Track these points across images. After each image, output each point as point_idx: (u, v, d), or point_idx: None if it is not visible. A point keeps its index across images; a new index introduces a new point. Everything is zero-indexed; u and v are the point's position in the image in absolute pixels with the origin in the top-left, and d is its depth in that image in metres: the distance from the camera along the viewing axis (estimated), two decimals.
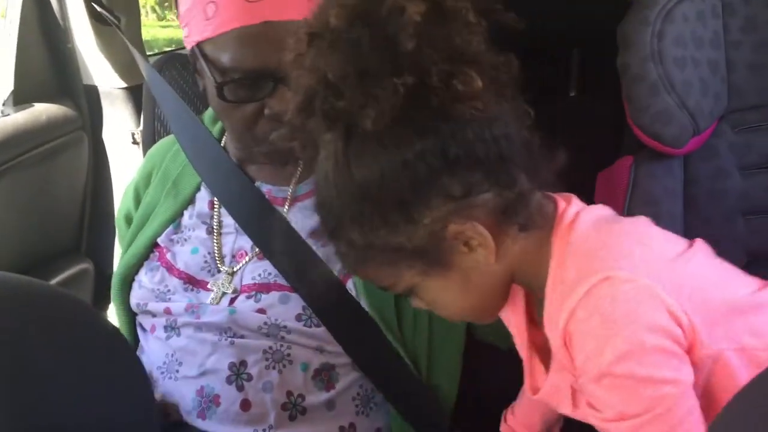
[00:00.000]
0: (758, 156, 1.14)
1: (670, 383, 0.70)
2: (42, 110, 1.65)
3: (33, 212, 1.62)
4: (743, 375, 0.73)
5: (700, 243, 0.80)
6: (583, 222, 0.76)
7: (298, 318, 1.04)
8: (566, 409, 0.82)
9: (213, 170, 1.13)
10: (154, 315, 1.09)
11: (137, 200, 1.21)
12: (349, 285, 1.05)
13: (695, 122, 1.08)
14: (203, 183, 1.15)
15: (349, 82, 0.69)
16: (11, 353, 0.61)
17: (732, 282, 0.78)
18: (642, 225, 0.80)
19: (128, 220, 1.22)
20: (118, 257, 1.22)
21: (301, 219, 1.08)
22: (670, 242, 0.79)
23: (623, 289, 0.70)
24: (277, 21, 0.97)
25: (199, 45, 1.02)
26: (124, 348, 0.74)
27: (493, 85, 0.71)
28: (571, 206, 0.78)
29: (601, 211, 0.80)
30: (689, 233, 1.07)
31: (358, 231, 0.74)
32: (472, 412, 1.10)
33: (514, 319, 0.86)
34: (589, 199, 1.16)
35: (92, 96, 1.76)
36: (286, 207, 1.10)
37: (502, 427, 1.02)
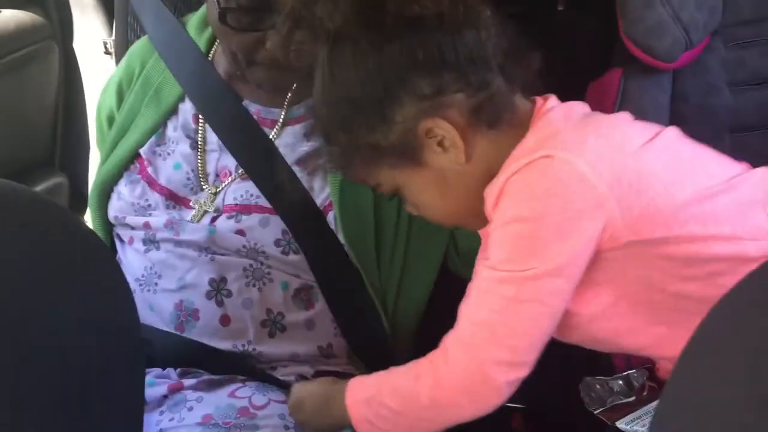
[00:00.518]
0: (750, 72, 1.12)
1: (549, 271, 0.73)
2: (9, 17, 1.59)
3: (2, 125, 1.58)
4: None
5: (669, 131, 0.82)
6: (554, 112, 0.80)
7: (277, 243, 1.02)
8: None
9: (197, 84, 1.09)
10: (132, 228, 1.07)
11: (120, 98, 1.16)
12: (330, 217, 1.03)
13: (688, 36, 1.06)
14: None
15: None
16: None
17: (690, 173, 0.79)
18: (613, 119, 0.83)
19: (110, 120, 1.17)
20: (95, 166, 1.19)
21: (290, 144, 1.06)
22: (638, 134, 0.80)
23: (557, 167, 0.74)
24: None
25: None
26: (103, 252, 0.73)
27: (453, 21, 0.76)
28: (548, 102, 0.81)
29: (577, 107, 0.82)
30: None
31: (342, 133, 0.80)
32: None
33: None
34: None
35: (62, 3, 1.68)
36: (275, 130, 1.07)
37: None
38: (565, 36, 1.34)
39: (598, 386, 0.95)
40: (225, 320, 1.01)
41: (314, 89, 0.82)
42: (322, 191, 1.03)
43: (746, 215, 0.77)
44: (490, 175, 0.79)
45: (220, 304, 1.01)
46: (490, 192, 0.78)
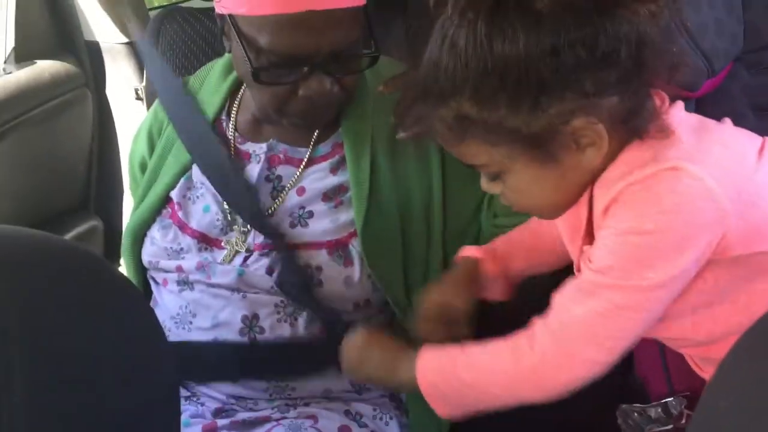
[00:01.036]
0: None
1: (661, 283, 0.73)
2: (44, 67, 1.64)
3: (39, 171, 1.62)
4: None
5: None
6: (671, 117, 0.77)
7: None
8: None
9: (201, 152, 1.11)
10: (166, 271, 1.09)
11: (151, 144, 1.18)
12: (352, 245, 1.04)
13: (710, 64, 1.06)
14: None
15: None
16: (26, 306, 0.61)
17: None
18: (731, 128, 0.82)
19: (143, 166, 1.19)
20: (128, 212, 1.21)
21: (315, 181, 1.07)
22: (750, 143, 0.79)
23: (686, 183, 0.71)
24: (319, 10, 0.94)
25: (231, 16, 0.99)
26: (137, 299, 0.75)
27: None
28: (675, 109, 0.78)
29: (692, 116, 0.80)
30: None
31: (475, 104, 0.73)
32: None
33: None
34: None
35: (94, 52, 1.74)
36: (301, 168, 1.09)
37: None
38: None
39: (636, 414, 0.95)
40: (260, 359, 1.02)
41: (448, 45, 0.73)
42: (347, 222, 1.04)
43: None
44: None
45: (253, 341, 1.02)
46: (601, 195, 0.75)
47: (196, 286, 1.06)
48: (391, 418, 1.06)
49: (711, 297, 0.78)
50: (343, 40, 0.97)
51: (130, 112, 1.73)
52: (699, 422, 0.51)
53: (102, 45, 1.74)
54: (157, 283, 1.12)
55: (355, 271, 1.04)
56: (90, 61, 1.73)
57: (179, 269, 1.07)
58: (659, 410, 0.94)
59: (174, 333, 1.06)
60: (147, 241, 1.12)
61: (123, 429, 0.63)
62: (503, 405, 0.81)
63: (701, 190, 0.71)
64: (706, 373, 0.85)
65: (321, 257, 1.03)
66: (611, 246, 0.74)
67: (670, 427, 0.94)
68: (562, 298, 0.77)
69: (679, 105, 0.79)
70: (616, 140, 0.75)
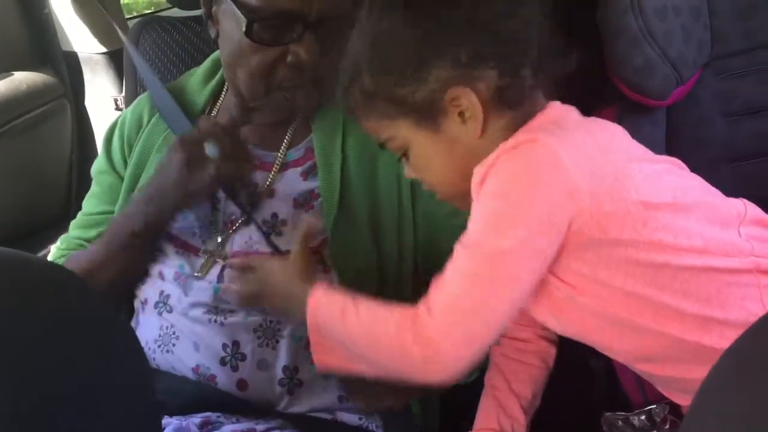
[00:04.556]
0: (743, 102, 1.13)
1: (508, 248, 0.75)
2: (22, 79, 1.64)
3: (19, 183, 1.62)
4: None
5: (673, 162, 0.85)
6: (553, 107, 0.83)
7: None
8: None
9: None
10: (147, 277, 1.10)
11: (116, 157, 1.18)
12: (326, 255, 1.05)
13: (678, 72, 1.07)
14: None
15: None
16: (3, 327, 0.61)
17: (669, 187, 0.80)
18: (608, 125, 0.86)
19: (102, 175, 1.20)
20: None
21: (286, 185, 1.08)
22: (631, 147, 0.83)
23: (539, 152, 0.76)
24: None
25: None
26: (117, 319, 0.75)
27: None
28: (552, 105, 0.84)
29: (577, 113, 0.85)
30: None
31: (371, 77, 0.82)
32: None
33: None
34: None
35: (72, 62, 1.74)
36: (273, 172, 1.09)
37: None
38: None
39: (620, 422, 0.96)
40: (242, 385, 1.02)
41: (356, 30, 0.83)
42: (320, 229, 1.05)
43: (719, 232, 0.79)
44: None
45: (235, 369, 1.02)
46: (478, 171, 0.79)
47: (174, 307, 1.06)
48: (377, 427, 1.07)
49: (585, 294, 0.79)
50: (334, 5, 0.98)
51: (109, 122, 1.73)
52: None
53: (80, 55, 1.74)
54: (140, 303, 1.12)
55: (334, 277, 1.04)
56: (68, 71, 1.72)
57: (160, 275, 1.08)
58: (643, 418, 0.95)
59: (160, 357, 1.06)
60: None
61: None
62: (383, 374, 0.82)
63: (551, 159, 0.75)
64: (674, 396, 0.87)
65: None
66: (473, 214, 0.79)
67: None
68: (440, 276, 0.79)
69: (564, 107, 0.84)
70: (495, 116, 0.80)
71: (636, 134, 1.10)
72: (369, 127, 0.87)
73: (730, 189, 1.11)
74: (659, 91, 1.08)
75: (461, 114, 0.80)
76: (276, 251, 1.04)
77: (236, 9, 1.00)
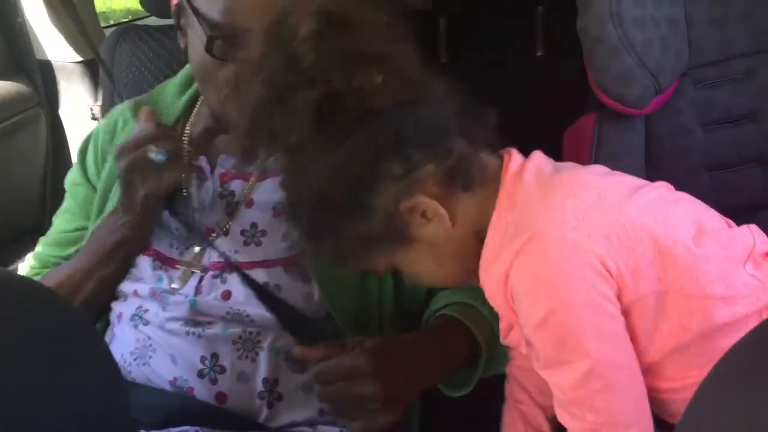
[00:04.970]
0: (720, 111, 1.14)
1: (593, 338, 0.75)
2: None
3: None
4: (659, 318, 0.78)
5: (656, 186, 0.84)
6: (528, 173, 0.81)
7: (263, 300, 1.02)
8: (524, 350, 0.87)
9: None
10: (121, 297, 1.08)
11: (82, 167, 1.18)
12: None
13: (657, 81, 1.08)
14: None
15: (271, 106, 0.77)
16: None
17: (677, 225, 0.80)
18: (585, 174, 0.85)
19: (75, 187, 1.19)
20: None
21: (267, 194, 1.07)
22: (615, 188, 0.82)
23: (553, 248, 0.75)
24: None
25: None
26: (91, 332, 0.74)
27: (402, 74, 0.77)
28: (512, 159, 0.83)
29: (542, 160, 0.84)
30: None
31: (327, 232, 0.81)
32: None
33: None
34: (557, 157, 1.17)
35: (47, 71, 1.72)
36: (251, 182, 1.08)
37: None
38: (545, 81, 1.37)
39: None
40: (221, 398, 1.01)
41: (287, 200, 0.83)
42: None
43: (733, 273, 0.79)
44: (478, 232, 0.81)
45: (214, 382, 1.00)
46: (490, 279, 0.79)
47: (151, 320, 1.04)
48: None
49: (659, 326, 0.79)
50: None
51: (85, 132, 1.71)
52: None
53: (54, 64, 1.72)
54: (114, 315, 1.10)
55: (315, 288, 1.03)
56: (43, 80, 1.70)
57: (135, 294, 1.06)
58: None
59: (136, 370, 1.04)
60: None
61: None
62: None
63: (561, 249, 0.75)
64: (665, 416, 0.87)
65: (278, 275, 1.03)
66: (539, 349, 0.79)
67: None
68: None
69: (514, 152, 0.83)
70: (457, 202, 0.80)
71: (615, 142, 1.12)
72: (355, 267, 0.87)
73: (710, 197, 1.13)
74: (638, 99, 1.08)
75: (424, 215, 0.80)
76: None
77: (196, 22, 0.99)
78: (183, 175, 1.06)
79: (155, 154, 1.01)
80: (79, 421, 0.63)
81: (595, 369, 0.75)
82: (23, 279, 0.73)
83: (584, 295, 0.75)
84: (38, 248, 1.22)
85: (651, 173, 1.12)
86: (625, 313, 0.77)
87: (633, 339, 0.78)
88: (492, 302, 0.84)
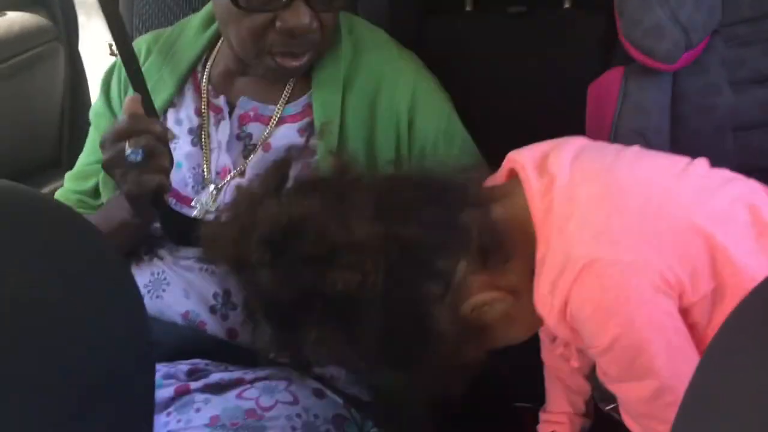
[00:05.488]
0: (751, 70, 1.12)
1: (661, 357, 0.74)
2: (14, 19, 1.60)
3: (9, 126, 1.59)
4: (715, 311, 0.77)
5: (696, 167, 0.83)
6: (557, 193, 0.78)
7: None
8: (576, 363, 0.91)
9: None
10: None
11: (106, 95, 1.17)
12: None
13: (688, 37, 1.06)
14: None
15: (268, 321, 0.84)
16: None
17: (725, 216, 0.79)
18: (620, 174, 0.81)
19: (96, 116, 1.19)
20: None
21: (283, 139, 1.07)
22: (655, 181, 0.80)
23: (609, 274, 0.72)
24: None
25: None
26: (110, 252, 0.73)
27: (381, 252, 0.75)
28: (530, 179, 0.81)
29: (560, 170, 0.80)
30: (676, 148, 1.07)
31: (415, 368, 0.82)
32: None
33: None
34: (581, 110, 1.14)
35: (67, 5, 1.70)
36: (271, 126, 1.08)
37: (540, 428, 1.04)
38: (571, 34, 1.35)
39: (617, 415, 0.97)
40: (232, 334, 1.02)
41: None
42: None
43: None
44: (532, 271, 0.80)
45: (225, 317, 1.02)
46: (551, 311, 0.78)
47: (165, 256, 1.05)
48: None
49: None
50: None
51: (103, 68, 1.70)
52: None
53: None
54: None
55: None
56: (62, 14, 1.69)
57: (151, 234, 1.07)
58: None
59: (148, 302, 1.05)
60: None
61: (94, 387, 0.62)
62: None
63: (625, 268, 0.73)
64: None
65: None
66: (605, 368, 0.78)
67: None
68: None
69: (551, 167, 0.81)
70: (500, 276, 0.79)
71: (643, 97, 1.11)
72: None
73: (734, 158, 1.12)
74: (668, 54, 1.06)
75: (485, 305, 0.80)
76: None
77: None
78: (166, 175, 0.96)
79: (130, 153, 0.90)
80: (106, 349, 0.63)
81: (665, 385, 0.74)
82: (41, 196, 0.72)
83: (647, 317, 0.73)
84: (64, 183, 1.22)
85: (675, 130, 1.11)
86: (684, 313, 0.76)
87: (692, 336, 0.77)
88: (556, 332, 0.82)
